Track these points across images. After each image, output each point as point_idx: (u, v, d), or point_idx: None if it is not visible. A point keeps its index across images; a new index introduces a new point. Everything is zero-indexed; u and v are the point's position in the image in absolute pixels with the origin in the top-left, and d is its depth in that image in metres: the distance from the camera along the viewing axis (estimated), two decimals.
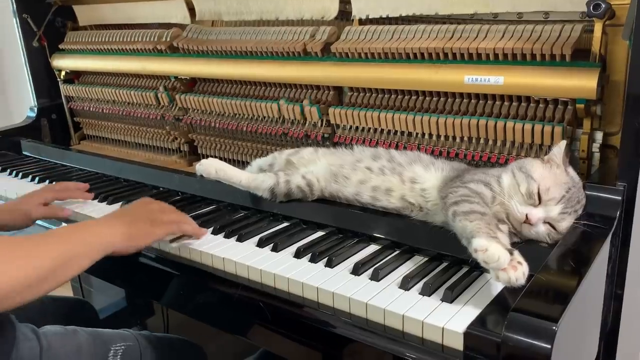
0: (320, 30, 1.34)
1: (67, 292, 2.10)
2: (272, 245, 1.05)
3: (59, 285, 0.85)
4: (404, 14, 1.25)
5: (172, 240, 1.08)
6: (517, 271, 0.77)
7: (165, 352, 1.18)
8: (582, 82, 0.99)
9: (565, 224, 0.89)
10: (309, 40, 1.35)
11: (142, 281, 1.19)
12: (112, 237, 0.94)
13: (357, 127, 1.30)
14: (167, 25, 1.70)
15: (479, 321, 0.77)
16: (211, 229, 1.14)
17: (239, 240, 1.09)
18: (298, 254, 1.01)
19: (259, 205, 1.21)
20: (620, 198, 0.91)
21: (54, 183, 1.43)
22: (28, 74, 2.00)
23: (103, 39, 1.83)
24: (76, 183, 1.41)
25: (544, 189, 0.90)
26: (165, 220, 1.03)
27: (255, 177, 1.19)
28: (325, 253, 1.00)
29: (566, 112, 1.05)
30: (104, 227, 0.96)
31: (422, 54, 1.18)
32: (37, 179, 1.59)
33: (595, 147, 1.06)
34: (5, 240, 0.82)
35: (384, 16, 1.28)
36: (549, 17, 1.12)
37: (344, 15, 1.37)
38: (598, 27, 1.00)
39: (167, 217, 1.05)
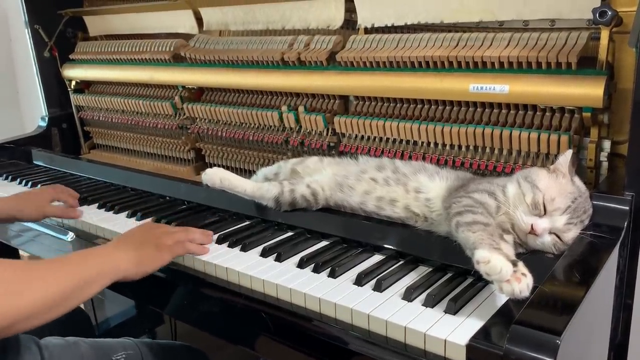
0: (326, 39, 1.34)
1: None
2: (275, 255, 1.04)
3: (70, 309, 0.86)
4: (409, 23, 1.25)
5: None
6: (521, 283, 0.76)
7: (167, 359, 1.17)
8: (588, 91, 0.98)
9: (571, 235, 0.88)
10: (315, 49, 1.35)
11: (147, 291, 1.18)
12: (122, 264, 0.94)
13: (362, 136, 1.30)
14: (176, 35, 1.71)
15: (482, 333, 0.75)
16: (215, 237, 1.14)
17: (243, 249, 1.08)
18: (301, 264, 1.00)
19: (264, 215, 1.21)
20: (628, 208, 0.90)
21: (58, 185, 1.45)
22: (39, 84, 2.03)
23: (113, 49, 1.85)
24: (74, 192, 1.43)
25: (549, 199, 0.88)
26: (171, 244, 1.03)
27: (260, 186, 1.19)
28: (328, 263, 0.99)
29: (573, 120, 1.04)
30: (113, 254, 0.96)
31: (427, 63, 1.18)
32: None
33: (603, 155, 1.05)
34: (24, 265, 0.84)
35: (389, 25, 1.28)
36: (555, 25, 1.11)
37: (350, 24, 1.37)
38: (605, 35, 0.99)
39: (172, 239, 1.04)
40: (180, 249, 1.05)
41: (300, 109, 1.37)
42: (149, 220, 1.27)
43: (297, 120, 1.38)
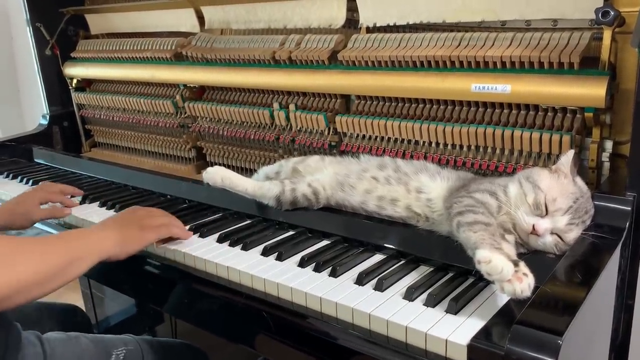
0: (328, 38, 1.34)
1: (78, 298, 2.12)
2: (276, 254, 1.04)
3: (61, 286, 0.89)
4: (411, 22, 1.24)
5: (158, 243, 1.11)
6: (523, 283, 0.76)
7: (167, 356, 1.18)
8: (590, 91, 0.98)
9: (572, 235, 0.88)
10: (316, 48, 1.35)
11: (147, 289, 1.19)
12: (108, 244, 0.98)
13: (364, 136, 1.30)
14: (177, 34, 1.71)
15: (483, 333, 0.75)
16: (216, 236, 1.15)
17: (244, 248, 1.08)
18: (302, 263, 1.00)
19: (265, 214, 1.21)
20: (629, 208, 0.90)
21: (45, 183, 1.45)
22: (40, 82, 2.03)
23: (114, 48, 1.84)
24: (64, 186, 1.44)
25: (550, 200, 0.88)
26: (154, 225, 1.08)
27: (261, 185, 1.19)
28: (329, 262, 0.99)
29: (575, 120, 1.04)
30: (99, 234, 1.00)
31: (429, 62, 1.18)
32: None
33: (605, 156, 1.05)
34: (17, 239, 0.87)
35: (391, 24, 1.27)
36: (558, 25, 1.11)
37: (352, 23, 1.37)
38: (607, 35, 0.99)
39: (156, 221, 1.09)
40: (163, 230, 1.10)
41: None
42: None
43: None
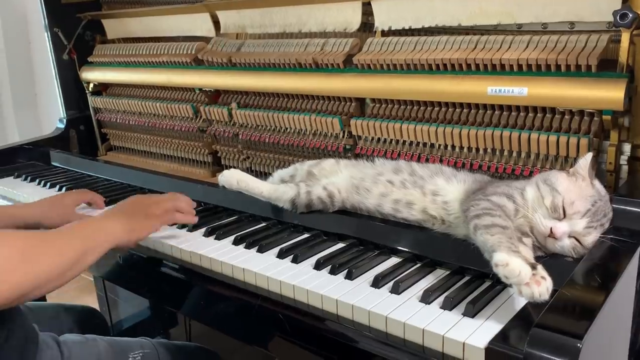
0: (343, 42, 1.34)
1: (93, 301, 2.13)
2: (292, 256, 1.05)
3: (75, 276, 0.91)
4: (426, 25, 1.24)
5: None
6: (541, 286, 0.75)
7: (183, 359, 1.18)
8: (608, 93, 0.97)
9: (591, 238, 0.87)
10: (331, 52, 1.35)
11: (163, 291, 1.20)
12: (116, 233, 1.01)
13: (379, 139, 1.30)
14: (193, 38, 1.73)
15: (501, 336, 0.75)
16: (232, 238, 1.15)
17: (260, 251, 1.09)
18: (318, 266, 1.00)
19: (280, 216, 1.21)
20: None
21: (82, 190, 1.47)
22: (58, 86, 2.05)
23: (130, 52, 1.86)
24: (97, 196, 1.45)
25: (568, 203, 0.88)
26: (159, 213, 1.11)
27: (276, 188, 1.19)
28: (345, 265, 0.99)
29: (592, 123, 1.03)
30: (108, 222, 1.03)
31: (445, 65, 1.18)
32: (64, 188, 1.61)
33: (623, 159, 1.04)
34: (36, 235, 0.90)
35: (407, 27, 1.27)
36: (575, 28, 1.10)
37: (367, 26, 1.37)
38: (625, 37, 0.98)
39: (161, 208, 1.12)
40: (168, 218, 1.13)
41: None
42: None
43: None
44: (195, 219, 1.18)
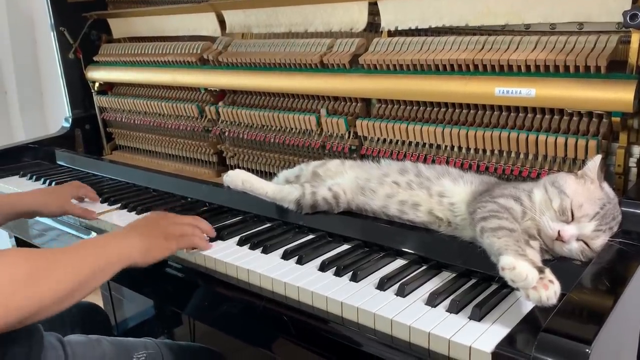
0: (349, 42, 1.34)
1: (97, 300, 2.13)
2: (297, 257, 1.04)
3: (86, 295, 0.89)
4: (433, 26, 1.24)
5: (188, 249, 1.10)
6: (549, 290, 0.74)
7: None
8: (618, 95, 0.96)
9: (599, 242, 0.86)
10: (337, 52, 1.35)
11: (167, 291, 1.19)
12: (132, 252, 0.97)
13: (384, 140, 1.29)
14: (198, 38, 1.72)
15: (508, 341, 0.74)
16: (237, 238, 1.14)
17: (264, 252, 1.08)
18: (323, 267, 0.99)
19: (285, 217, 1.21)
20: None
21: (72, 182, 1.48)
22: (63, 86, 2.05)
23: (136, 51, 1.86)
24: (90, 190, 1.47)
25: (576, 205, 0.87)
26: (177, 235, 1.06)
27: (281, 188, 1.18)
28: (350, 267, 0.98)
29: (601, 125, 1.02)
30: (125, 241, 0.99)
31: (452, 66, 1.17)
32: None
33: (633, 161, 1.03)
34: (44, 254, 0.86)
35: (413, 28, 1.27)
36: (584, 28, 1.09)
37: (373, 27, 1.36)
38: (635, 38, 0.97)
39: (179, 230, 1.07)
40: (186, 241, 1.08)
41: (322, 111, 1.37)
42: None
43: (319, 124, 1.38)
44: (210, 247, 1.11)
